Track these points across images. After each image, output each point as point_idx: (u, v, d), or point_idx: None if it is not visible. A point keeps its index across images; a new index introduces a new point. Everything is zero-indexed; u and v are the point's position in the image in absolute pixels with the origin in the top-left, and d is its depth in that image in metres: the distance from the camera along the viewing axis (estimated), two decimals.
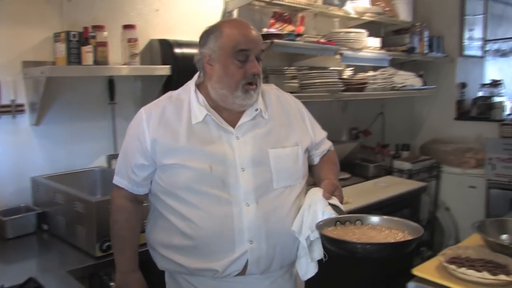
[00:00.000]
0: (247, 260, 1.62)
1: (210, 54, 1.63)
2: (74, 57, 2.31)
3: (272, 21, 3.26)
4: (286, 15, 3.28)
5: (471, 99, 4.89)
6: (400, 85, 3.77)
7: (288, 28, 3.24)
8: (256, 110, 1.70)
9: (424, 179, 4.00)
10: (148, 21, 2.80)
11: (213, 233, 1.60)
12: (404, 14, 4.15)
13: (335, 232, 1.55)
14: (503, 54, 5.82)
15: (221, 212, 1.60)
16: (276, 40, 2.84)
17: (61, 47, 2.32)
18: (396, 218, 1.65)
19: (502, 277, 1.55)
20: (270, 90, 1.87)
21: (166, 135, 1.64)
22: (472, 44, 5.03)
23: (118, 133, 2.69)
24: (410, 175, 3.89)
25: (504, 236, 1.83)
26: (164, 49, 2.71)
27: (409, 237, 1.51)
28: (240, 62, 1.60)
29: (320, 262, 1.69)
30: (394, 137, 4.56)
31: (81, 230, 2.04)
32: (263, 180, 1.65)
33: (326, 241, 1.52)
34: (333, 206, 1.65)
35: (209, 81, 1.65)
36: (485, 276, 1.55)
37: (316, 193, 1.68)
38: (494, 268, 1.63)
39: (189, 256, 1.64)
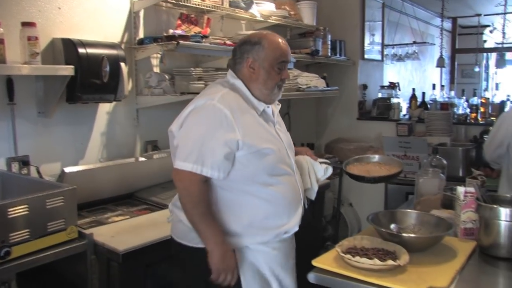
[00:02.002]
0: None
1: (254, 61, 2.03)
2: None
3: (178, 22, 3.27)
4: (193, 17, 3.31)
5: (372, 100, 5.17)
6: (304, 86, 3.91)
7: (195, 29, 3.27)
8: (278, 104, 2.22)
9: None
10: (50, 19, 2.71)
11: (291, 199, 2.06)
12: (308, 18, 4.31)
13: (356, 169, 2.40)
14: (399, 58, 6.21)
15: (292, 182, 2.08)
16: (182, 42, 2.86)
17: None
18: (387, 156, 2.76)
19: (390, 262, 1.69)
20: None
21: (250, 124, 1.97)
22: (374, 49, 5.32)
23: (18, 135, 2.58)
24: None
25: (393, 226, 1.98)
26: (67, 48, 2.64)
27: (394, 171, 2.35)
28: (279, 70, 2.05)
29: None
30: (300, 137, 4.70)
31: None
32: (293, 156, 2.17)
33: (350, 176, 2.38)
34: (323, 162, 2.32)
35: (252, 82, 2.05)
36: (375, 262, 1.68)
37: (306, 159, 2.28)
38: (384, 255, 1.77)
39: (269, 223, 2.01)
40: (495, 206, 1.92)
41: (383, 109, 5.00)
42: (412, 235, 1.95)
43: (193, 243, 1.98)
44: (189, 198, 1.91)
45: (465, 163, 3.86)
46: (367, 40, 5.15)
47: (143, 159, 3.08)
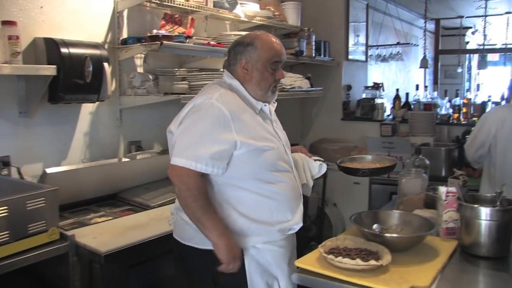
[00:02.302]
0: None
1: (247, 62, 2.05)
2: None
3: (162, 22, 3.26)
4: (177, 17, 3.29)
5: (356, 101, 5.20)
6: (288, 87, 3.92)
7: (179, 29, 3.26)
8: (274, 102, 2.24)
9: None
10: (31, 18, 2.68)
11: (292, 195, 2.09)
12: (293, 19, 4.32)
13: (351, 166, 2.51)
14: (383, 59, 6.26)
15: (292, 179, 2.11)
16: (165, 42, 2.84)
17: None
18: (381, 156, 2.84)
19: (372, 262, 1.69)
20: None
21: (249, 122, 1.98)
22: (358, 49, 5.35)
23: None
24: None
25: (375, 226, 1.99)
26: (50, 48, 2.61)
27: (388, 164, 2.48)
28: (272, 70, 2.07)
29: None
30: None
31: None
32: (289, 153, 2.18)
33: (344, 170, 2.49)
34: (317, 159, 2.38)
35: (246, 82, 2.07)
36: (358, 262, 1.69)
37: (302, 156, 2.32)
38: (367, 255, 1.78)
39: (273, 219, 2.03)
40: (475, 205, 1.94)
41: (367, 110, 5.03)
42: (395, 235, 1.97)
43: (201, 245, 1.99)
44: (188, 193, 1.90)
45: (448, 163, 3.89)
46: (351, 41, 5.18)
47: (126, 159, 3.07)
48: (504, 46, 9.25)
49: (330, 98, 5.04)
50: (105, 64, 2.78)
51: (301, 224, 2.13)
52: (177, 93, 3.03)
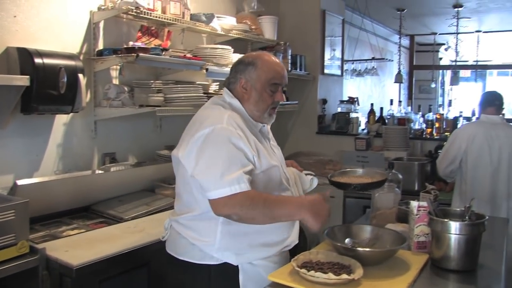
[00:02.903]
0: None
1: (247, 81, 2.04)
2: None
3: (139, 34, 3.26)
4: (153, 29, 3.30)
5: (331, 115, 5.25)
6: None
7: (155, 42, 3.26)
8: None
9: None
10: (4, 27, 2.64)
11: None
12: (269, 33, 4.36)
13: (342, 180, 2.46)
14: (358, 73, 6.35)
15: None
16: (141, 54, 2.84)
17: None
18: (371, 169, 2.65)
19: (344, 276, 1.71)
20: None
21: (256, 143, 1.97)
22: (334, 64, 5.42)
23: None
24: None
25: (347, 240, 2.00)
26: (23, 58, 2.59)
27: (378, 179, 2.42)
28: (271, 92, 2.04)
29: None
30: None
31: None
32: (287, 171, 2.19)
33: (335, 184, 2.45)
34: (308, 174, 2.41)
35: (244, 102, 2.05)
36: (330, 276, 1.70)
37: (294, 171, 2.34)
38: (339, 269, 1.79)
39: (273, 239, 2.03)
40: (445, 220, 1.98)
41: (342, 124, 5.08)
42: (367, 249, 1.98)
43: (196, 259, 1.97)
44: (245, 210, 1.83)
45: (421, 177, 3.95)
46: (327, 55, 5.24)
47: (100, 171, 3.03)
48: (475, 63, 9.49)
49: (305, 112, 5.09)
50: (80, 75, 2.76)
51: (296, 241, 2.12)
52: (152, 105, 3.02)
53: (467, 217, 1.98)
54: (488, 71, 11.67)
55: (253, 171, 1.92)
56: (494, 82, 11.79)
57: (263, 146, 2.02)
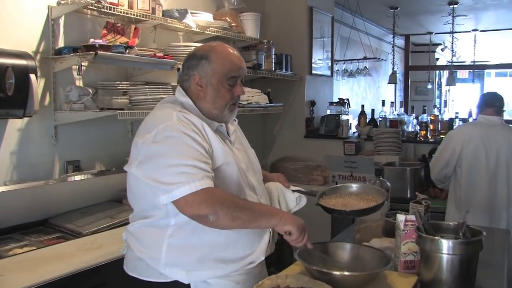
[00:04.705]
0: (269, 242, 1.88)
1: (201, 77, 1.82)
2: None
3: (104, 31, 2.99)
4: (119, 26, 3.03)
5: (320, 117, 4.98)
6: (245, 102, 3.67)
7: (121, 39, 2.99)
8: (234, 121, 1.99)
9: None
10: None
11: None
12: (251, 30, 4.09)
13: (332, 202, 1.99)
14: (350, 74, 6.09)
15: None
16: (101, 52, 2.57)
17: None
18: (369, 185, 2.22)
19: None
20: None
21: (211, 138, 1.76)
22: (323, 64, 5.15)
23: None
24: None
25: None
26: None
27: (373, 203, 1.92)
28: (229, 86, 1.83)
29: None
30: None
31: None
32: (258, 179, 1.97)
33: (325, 209, 1.96)
34: (296, 190, 2.08)
35: (200, 100, 1.84)
36: None
37: (277, 186, 2.06)
38: None
39: (229, 255, 1.77)
40: (436, 237, 1.71)
41: (332, 127, 4.81)
42: (345, 273, 1.71)
43: (145, 276, 1.76)
44: (216, 211, 1.60)
45: (413, 184, 3.68)
46: (317, 55, 4.98)
47: (59, 181, 2.77)
48: (472, 63, 9.25)
49: (292, 115, 4.82)
50: (32, 76, 2.49)
51: (262, 257, 1.86)
52: (115, 108, 2.75)
53: (461, 234, 1.71)
54: (486, 71, 11.47)
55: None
56: (492, 83, 11.59)
57: (220, 147, 1.79)
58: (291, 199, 2.07)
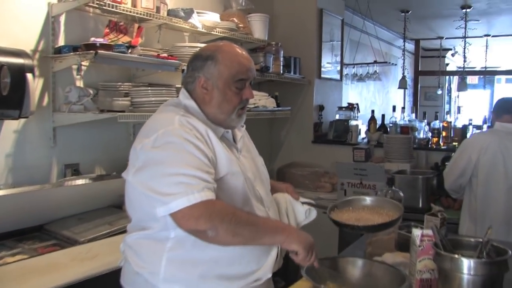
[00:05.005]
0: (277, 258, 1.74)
1: (207, 80, 1.70)
2: None
3: (106, 30, 2.88)
4: (122, 25, 2.91)
5: (329, 122, 4.84)
6: (252, 106, 3.55)
7: (124, 39, 2.87)
8: (242, 126, 1.87)
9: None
10: None
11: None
12: (259, 32, 3.96)
13: (344, 216, 1.83)
14: (359, 78, 5.95)
15: None
16: (101, 51, 2.45)
17: None
18: (384, 199, 2.06)
19: None
20: None
21: (215, 145, 1.64)
22: (332, 67, 5.02)
23: None
24: None
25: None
26: None
27: (388, 218, 1.78)
28: (237, 89, 1.70)
29: None
30: None
31: None
32: (266, 190, 1.85)
33: (336, 224, 1.80)
34: (306, 203, 1.94)
35: (205, 104, 1.71)
36: None
37: (286, 198, 1.93)
38: None
39: (233, 272, 1.64)
40: (456, 256, 1.57)
41: (341, 132, 4.66)
42: None
43: None
44: (215, 226, 1.47)
45: (425, 193, 3.52)
46: (326, 59, 4.85)
47: (57, 185, 2.65)
48: (483, 69, 9.09)
49: (300, 119, 4.68)
50: (29, 75, 2.38)
51: (269, 274, 1.73)
52: (115, 110, 2.64)
53: (484, 253, 1.57)
54: (496, 77, 11.29)
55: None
56: (503, 89, 11.41)
57: (224, 155, 1.66)
58: (300, 211, 1.94)
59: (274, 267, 1.75)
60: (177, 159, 1.52)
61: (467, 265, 1.53)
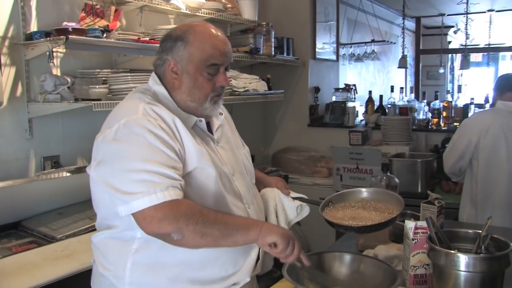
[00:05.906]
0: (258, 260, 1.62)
1: (176, 63, 1.55)
2: None
3: (82, 14, 2.71)
4: (98, 8, 2.75)
5: (325, 105, 4.67)
6: (241, 90, 3.38)
7: (101, 23, 2.71)
8: (220, 114, 1.71)
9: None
10: None
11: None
12: (249, 12, 3.78)
13: (339, 214, 1.67)
14: (357, 58, 5.77)
15: None
16: (72, 36, 2.29)
17: None
18: (382, 190, 1.87)
19: None
20: None
21: (185, 136, 1.49)
22: (328, 48, 4.84)
23: None
24: None
25: None
26: None
27: (388, 217, 1.60)
28: (210, 75, 1.55)
29: None
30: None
31: None
32: (248, 184, 1.70)
33: (329, 224, 1.65)
34: (297, 198, 1.80)
35: (175, 90, 1.57)
36: None
37: (275, 193, 1.79)
38: None
39: (206, 276, 1.51)
40: (452, 251, 1.43)
41: (338, 114, 4.50)
42: None
43: None
44: (184, 227, 1.33)
45: (425, 177, 3.37)
46: (322, 39, 4.66)
47: (31, 179, 2.52)
48: (487, 46, 8.85)
49: (295, 102, 4.51)
50: None
51: (248, 279, 1.58)
52: (91, 99, 2.48)
53: (483, 247, 1.42)
54: (500, 54, 11.04)
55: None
56: (508, 66, 11.16)
57: (195, 143, 1.51)
58: (291, 208, 1.80)
59: (255, 271, 1.61)
60: (139, 154, 1.38)
61: (463, 261, 1.39)
